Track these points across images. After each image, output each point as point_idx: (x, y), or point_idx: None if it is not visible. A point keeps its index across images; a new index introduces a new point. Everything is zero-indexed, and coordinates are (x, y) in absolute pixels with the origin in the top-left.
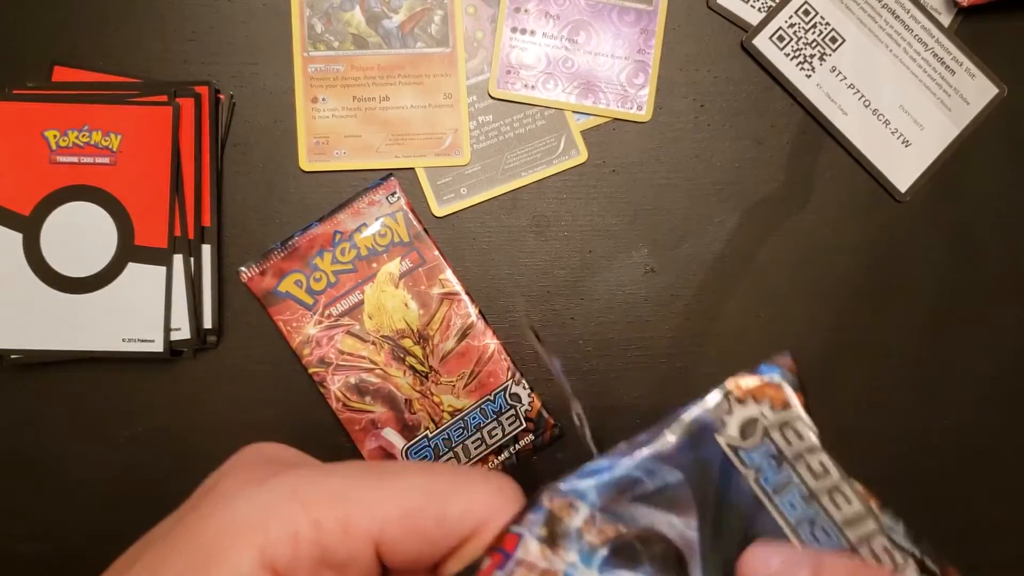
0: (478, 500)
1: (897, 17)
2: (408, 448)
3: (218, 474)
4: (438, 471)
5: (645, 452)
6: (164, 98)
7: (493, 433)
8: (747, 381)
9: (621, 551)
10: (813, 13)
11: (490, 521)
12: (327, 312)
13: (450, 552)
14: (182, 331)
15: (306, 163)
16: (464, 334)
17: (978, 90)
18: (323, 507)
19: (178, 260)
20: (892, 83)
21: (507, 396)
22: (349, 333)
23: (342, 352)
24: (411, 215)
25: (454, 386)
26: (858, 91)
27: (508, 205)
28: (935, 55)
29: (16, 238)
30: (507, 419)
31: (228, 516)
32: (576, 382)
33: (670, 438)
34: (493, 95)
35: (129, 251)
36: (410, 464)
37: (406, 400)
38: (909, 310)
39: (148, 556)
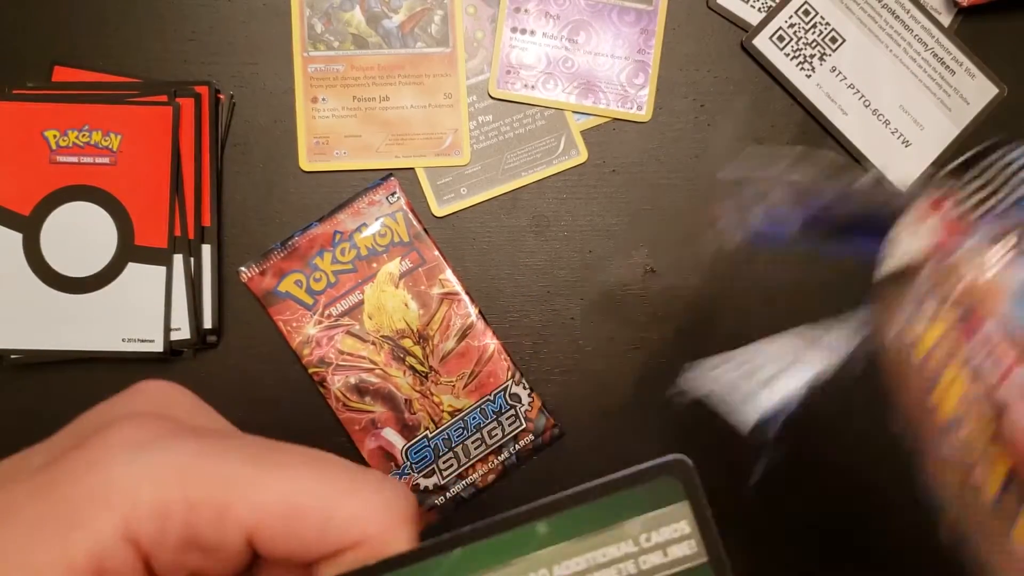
0: (366, 513)
1: (897, 17)
2: (408, 448)
3: (107, 415)
4: (329, 471)
5: None
6: (164, 98)
7: (493, 433)
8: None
9: None
10: (813, 13)
11: (374, 538)
12: (327, 312)
13: (326, 555)
14: (182, 331)
15: (306, 163)
16: (464, 334)
17: (978, 90)
18: (201, 488)
19: (178, 260)
20: (892, 83)
21: (507, 396)
22: (349, 333)
23: (342, 352)
24: (411, 215)
25: (454, 386)
26: (858, 91)
27: (508, 205)
28: (935, 55)
29: (16, 238)
30: (507, 419)
31: (99, 477)
32: (576, 382)
33: None
34: (493, 95)
35: (129, 251)
36: (303, 455)
37: (406, 400)
38: None
39: (11, 491)
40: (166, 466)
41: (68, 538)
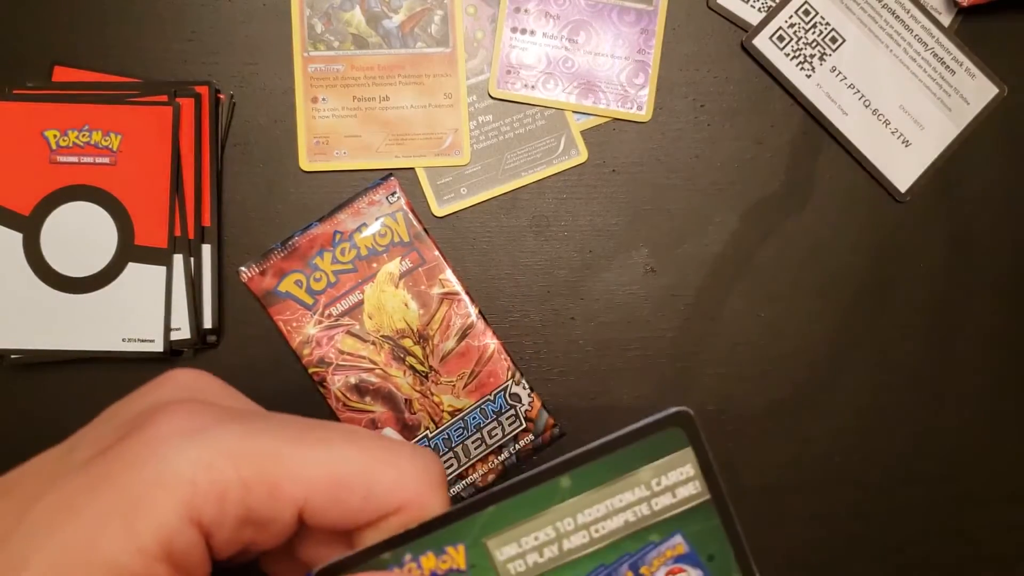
0: (404, 481)
1: (897, 17)
2: None
3: (149, 404)
4: (367, 444)
5: None
6: (164, 98)
7: (493, 433)
8: None
9: None
10: (813, 13)
11: (413, 503)
12: (327, 312)
13: (369, 522)
14: (182, 331)
15: (306, 163)
16: (464, 334)
17: (978, 90)
18: (253, 469)
19: (178, 260)
20: (892, 83)
21: (507, 396)
22: (349, 333)
23: (342, 352)
24: (411, 215)
25: (454, 386)
26: (858, 91)
27: (508, 205)
28: (935, 55)
29: (16, 238)
30: (507, 419)
31: (158, 467)
32: (576, 382)
33: None
34: (493, 95)
35: (129, 251)
36: (340, 430)
37: (406, 400)
38: (909, 310)
39: (68, 484)
40: (218, 450)
41: (135, 526)
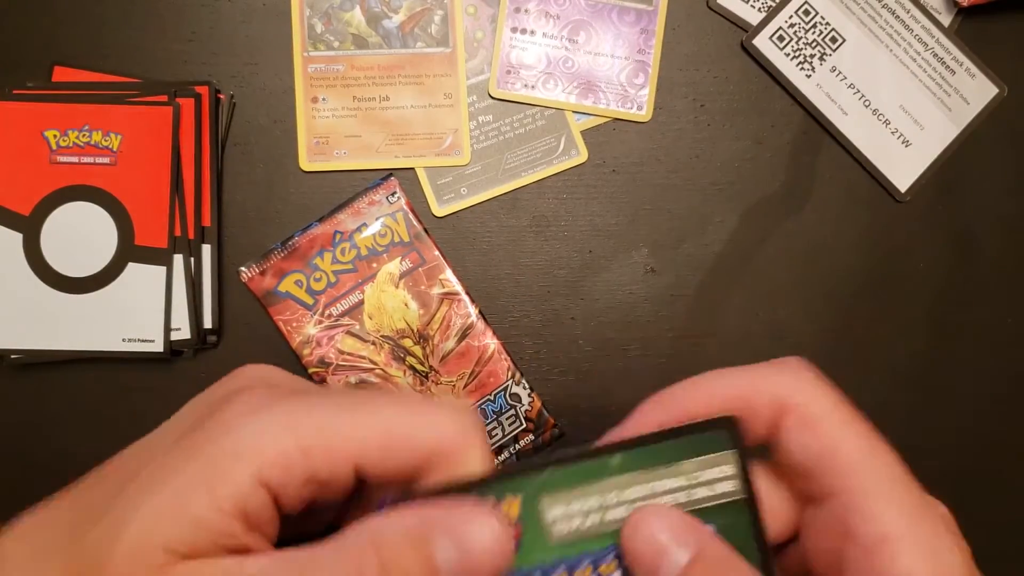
0: (444, 431)
1: (897, 17)
2: None
3: (224, 392)
4: (411, 405)
5: None
6: (164, 98)
7: (493, 433)
8: None
9: None
10: (813, 13)
11: (455, 451)
12: (327, 312)
13: (419, 472)
14: (182, 331)
15: (306, 163)
16: (464, 334)
17: (978, 90)
18: (311, 437)
19: (178, 260)
20: (892, 83)
21: (507, 396)
22: (349, 333)
23: (342, 352)
24: (411, 215)
25: (454, 386)
26: (858, 91)
27: (508, 205)
28: (935, 55)
29: (16, 238)
30: (507, 419)
31: (232, 441)
32: (576, 382)
33: None
34: (493, 95)
35: (129, 251)
36: (388, 396)
37: None
38: (909, 310)
39: (160, 460)
40: (279, 424)
41: (216, 491)
